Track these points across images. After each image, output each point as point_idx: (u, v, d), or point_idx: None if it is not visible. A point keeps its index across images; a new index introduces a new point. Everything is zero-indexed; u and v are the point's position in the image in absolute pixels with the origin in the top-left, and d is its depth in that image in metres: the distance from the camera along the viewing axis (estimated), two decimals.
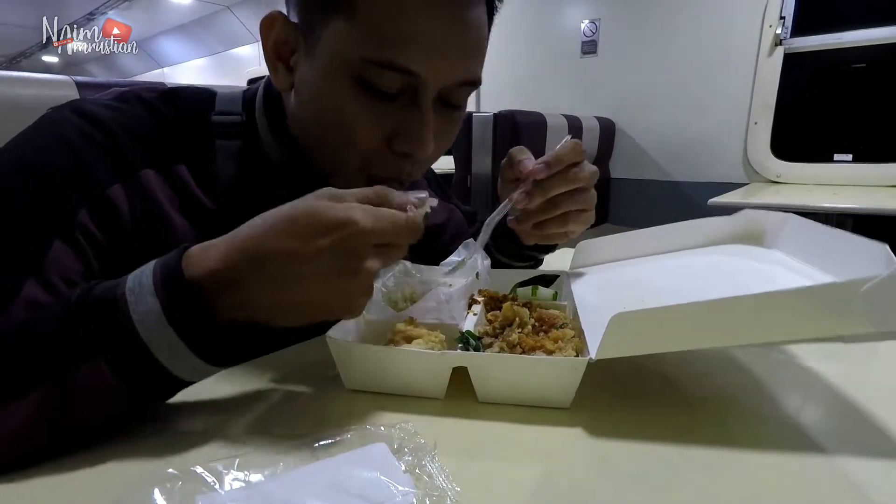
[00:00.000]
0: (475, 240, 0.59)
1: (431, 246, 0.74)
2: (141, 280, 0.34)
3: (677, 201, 2.47)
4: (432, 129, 0.46)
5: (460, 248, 0.57)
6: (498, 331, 0.48)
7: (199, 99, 0.53)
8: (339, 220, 0.34)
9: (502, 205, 0.54)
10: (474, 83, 0.49)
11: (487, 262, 0.58)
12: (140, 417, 0.38)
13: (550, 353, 0.43)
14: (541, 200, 0.51)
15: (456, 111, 0.51)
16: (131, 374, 0.34)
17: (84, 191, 0.43)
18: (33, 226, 0.41)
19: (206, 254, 0.35)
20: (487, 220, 0.55)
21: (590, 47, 2.62)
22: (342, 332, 0.45)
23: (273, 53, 0.49)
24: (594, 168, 0.53)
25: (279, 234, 0.34)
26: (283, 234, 0.34)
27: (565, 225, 0.53)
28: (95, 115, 0.46)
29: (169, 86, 0.55)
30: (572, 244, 0.68)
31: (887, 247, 0.36)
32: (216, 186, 0.50)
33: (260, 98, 0.54)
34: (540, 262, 0.74)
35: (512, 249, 0.65)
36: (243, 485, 0.30)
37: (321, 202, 0.35)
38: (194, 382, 0.38)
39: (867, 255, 0.38)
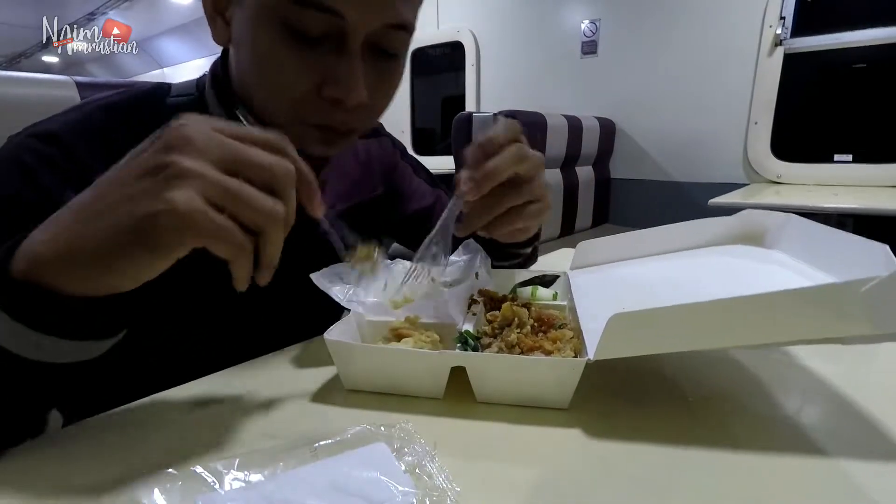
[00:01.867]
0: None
1: (418, 231, 0.75)
2: None
3: (677, 201, 2.46)
4: (363, 76, 0.45)
5: (460, 248, 0.57)
6: (497, 331, 0.48)
7: (155, 89, 0.55)
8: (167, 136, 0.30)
9: (450, 204, 0.49)
10: (404, 27, 0.47)
11: (488, 261, 0.59)
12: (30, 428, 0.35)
13: (549, 353, 0.43)
14: (490, 186, 0.45)
15: (392, 60, 0.49)
16: None
17: (45, 212, 0.44)
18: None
19: (36, 229, 0.32)
20: (431, 236, 0.49)
21: (590, 47, 2.61)
22: (341, 333, 0.45)
23: (211, 8, 0.49)
24: (539, 154, 0.48)
25: (97, 182, 0.32)
26: (99, 181, 0.32)
27: (513, 223, 0.48)
28: (48, 131, 0.47)
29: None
30: (572, 244, 0.68)
31: (888, 247, 0.36)
32: None
33: (207, 74, 0.55)
34: (531, 258, 0.73)
35: (492, 247, 0.63)
36: (243, 485, 0.30)
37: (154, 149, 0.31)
38: (56, 363, 0.33)
39: (868, 256, 0.38)
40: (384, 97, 0.51)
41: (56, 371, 0.33)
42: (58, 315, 0.32)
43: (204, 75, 0.57)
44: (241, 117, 0.39)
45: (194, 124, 0.31)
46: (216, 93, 0.53)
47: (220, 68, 0.54)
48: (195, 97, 0.54)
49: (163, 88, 0.56)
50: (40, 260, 0.31)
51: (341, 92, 0.45)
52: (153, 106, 0.53)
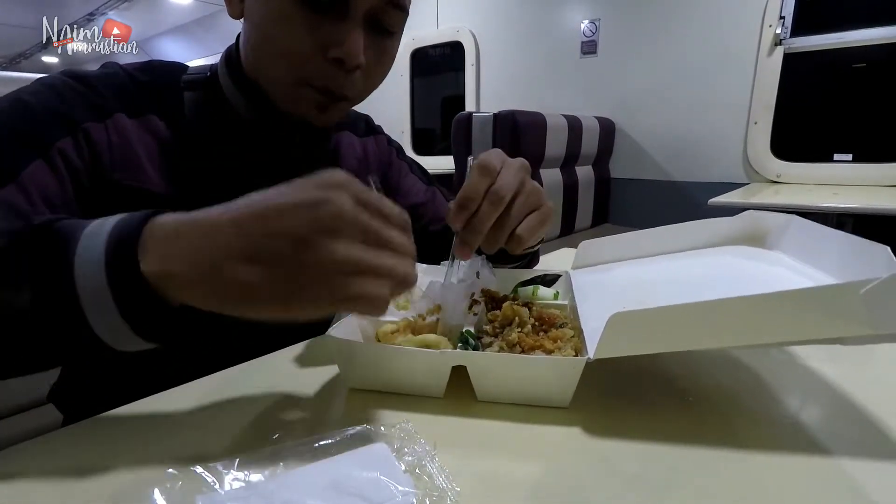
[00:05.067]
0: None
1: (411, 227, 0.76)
2: (102, 228, 0.33)
3: (677, 201, 2.46)
4: (362, 41, 0.49)
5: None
6: (498, 330, 0.48)
7: (173, 66, 0.59)
8: (318, 198, 0.30)
9: (448, 266, 0.52)
10: (401, 7, 0.51)
11: (489, 262, 0.58)
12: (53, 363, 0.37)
13: (549, 352, 0.43)
14: (479, 242, 0.48)
15: (388, 37, 0.53)
16: (48, 309, 0.32)
17: (65, 124, 0.49)
18: (16, 146, 0.46)
19: (168, 221, 0.33)
20: (443, 283, 0.52)
21: (590, 47, 2.61)
22: (343, 332, 0.45)
23: None
24: (516, 166, 0.48)
25: (248, 208, 0.31)
26: (251, 207, 0.31)
27: (523, 242, 0.49)
28: (80, 72, 0.53)
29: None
30: (572, 244, 0.68)
31: (889, 249, 0.36)
32: (185, 132, 0.55)
33: (222, 54, 0.59)
34: (534, 259, 0.73)
35: (497, 256, 0.64)
36: (243, 485, 0.30)
37: (311, 185, 0.31)
38: (110, 349, 0.34)
39: (869, 257, 0.38)
40: (379, 70, 0.55)
41: (94, 345, 0.33)
42: (159, 325, 0.33)
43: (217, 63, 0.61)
44: (373, 183, 0.41)
45: (347, 204, 0.31)
46: (229, 72, 0.57)
47: (233, 51, 0.58)
48: (207, 76, 0.58)
49: (180, 66, 0.60)
50: (172, 278, 0.31)
51: (342, 53, 0.49)
52: (171, 81, 0.57)
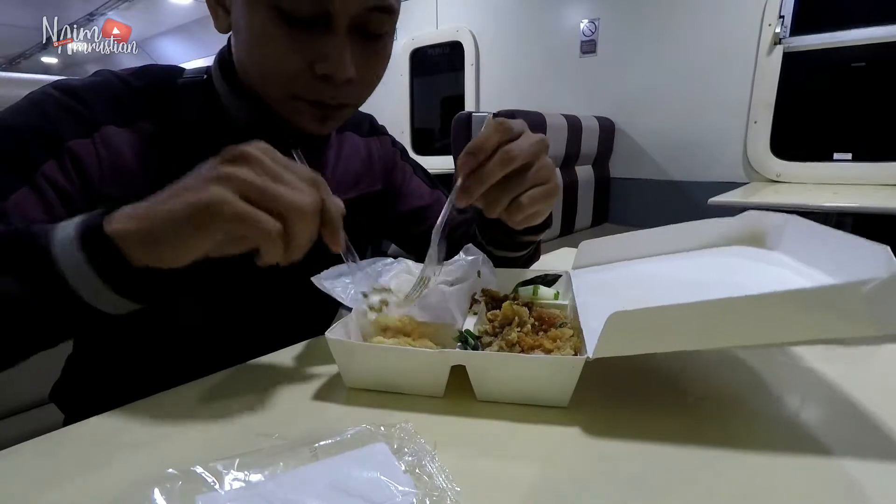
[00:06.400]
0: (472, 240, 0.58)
1: (414, 229, 0.76)
2: (71, 221, 0.38)
3: (677, 201, 2.46)
4: (349, 53, 0.49)
5: (462, 251, 0.57)
6: (497, 330, 0.48)
7: (168, 70, 0.59)
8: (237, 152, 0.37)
9: (445, 208, 0.50)
10: (385, 9, 0.50)
11: (489, 262, 0.58)
12: (52, 339, 0.41)
13: (549, 352, 0.43)
14: (480, 192, 0.47)
15: (378, 40, 0.52)
16: (37, 286, 0.37)
17: (49, 145, 0.48)
18: (0, 173, 0.46)
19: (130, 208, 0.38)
20: (434, 228, 0.50)
21: (589, 47, 2.61)
22: (343, 332, 0.45)
23: None
24: (534, 139, 0.48)
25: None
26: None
27: (524, 209, 0.48)
28: (68, 84, 0.52)
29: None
30: (572, 243, 0.68)
31: (889, 248, 0.36)
32: (181, 137, 0.55)
33: (215, 56, 0.59)
34: (534, 256, 0.73)
35: (503, 239, 0.63)
36: (243, 485, 0.30)
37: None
38: (100, 313, 0.39)
39: (869, 257, 0.38)
40: (373, 74, 0.54)
41: (87, 311, 0.38)
42: (124, 275, 0.37)
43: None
44: (296, 156, 0.46)
45: (252, 147, 0.37)
46: (222, 75, 0.57)
47: (226, 53, 0.57)
48: (203, 79, 0.58)
49: (176, 69, 0.59)
50: (120, 233, 0.37)
51: (330, 69, 0.48)
52: (165, 83, 0.56)
